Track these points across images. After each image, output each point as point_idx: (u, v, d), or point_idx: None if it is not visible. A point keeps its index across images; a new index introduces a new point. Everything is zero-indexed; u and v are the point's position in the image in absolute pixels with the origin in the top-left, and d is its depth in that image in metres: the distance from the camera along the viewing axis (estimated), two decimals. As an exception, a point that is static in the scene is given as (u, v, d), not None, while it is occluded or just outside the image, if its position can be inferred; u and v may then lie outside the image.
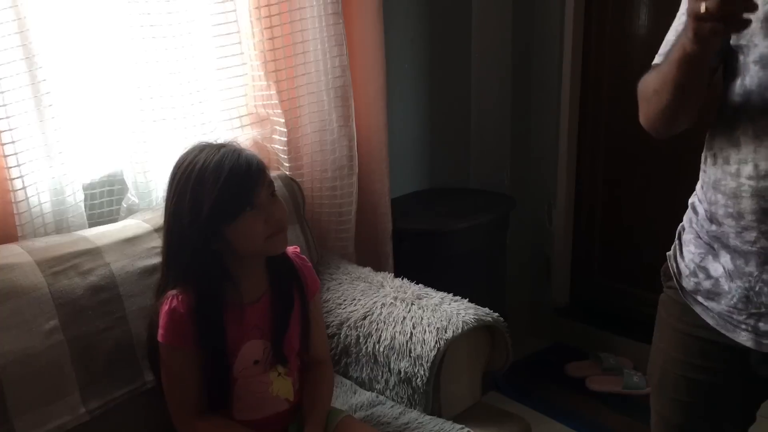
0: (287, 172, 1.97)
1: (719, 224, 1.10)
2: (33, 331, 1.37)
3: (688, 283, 1.19)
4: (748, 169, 1.03)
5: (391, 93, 2.17)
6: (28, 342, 1.36)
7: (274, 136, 1.97)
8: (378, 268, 1.99)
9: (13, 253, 1.44)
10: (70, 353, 1.40)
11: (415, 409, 1.60)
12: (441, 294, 1.72)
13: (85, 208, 1.69)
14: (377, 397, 1.65)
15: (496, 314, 1.65)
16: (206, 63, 1.80)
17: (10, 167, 1.49)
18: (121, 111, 1.71)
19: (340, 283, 1.84)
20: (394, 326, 1.65)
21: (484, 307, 1.68)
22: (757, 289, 1.06)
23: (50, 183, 1.60)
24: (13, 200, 1.51)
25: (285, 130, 1.94)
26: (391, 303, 1.71)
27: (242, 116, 1.91)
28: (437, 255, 2.35)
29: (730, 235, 1.08)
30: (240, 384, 1.37)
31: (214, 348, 1.33)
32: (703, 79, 1.06)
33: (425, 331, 1.60)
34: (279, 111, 1.92)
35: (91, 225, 1.68)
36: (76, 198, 1.65)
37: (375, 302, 1.73)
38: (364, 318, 1.71)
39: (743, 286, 1.08)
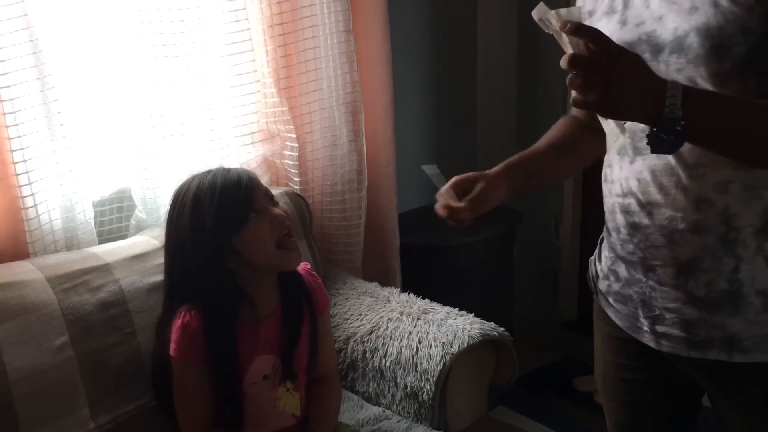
0: (296, 187, 1.99)
1: (611, 236, 1.17)
2: (43, 347, 1.39)
3: (603, 285, 1.24)
4: (617, 188, 1.11)
5: (397, 108, 2.19)
6: (39, 358, 1.38)
7: (284, 152, 2.00)
8: (385, 282, 2.00)
9: (25, 270, 1.46)
10: (80, 369, 1.42)
11: (421, 423, 1.61)
12: (447, 309, 1.73)
13: (94, 224, 1.71)
14: (384, 411, 1.66)
15: (502, 329, 1.66)
16: (218, 80, 1.83)
17: (22, 185, 1.52)
18: (130, 128, 1.74)
19: (346, 298, 1.86)
20: (401, 341, 1.66)
21: (491, 321, 1.69)
22: (648, 293, 1.12)
23: (61, 200, 1.62)
24: (24, 218, 1.54)
25: (296, 145, 1.97)
26: (398, 318, 1.72)
27: (253, 133, 1.93)
28: (444, 269, 2.36)
29: (618, 246, 1.15)
30: (249, 399, 1.38)
31: (226, 363, 1.34)
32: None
33: (431, 346, 1.61)
34: (291, 127, 1.94)
35: (101, 242, 1.70)
36: (86, 215, 1.67)
37: (381, 317, 1.74)
38: (371, 333, 1.72)
39: (638, 291, 1.14)
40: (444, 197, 1.18)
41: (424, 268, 2.34)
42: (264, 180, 1.97)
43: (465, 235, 2.33)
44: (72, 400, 1.40)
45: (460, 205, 1.16)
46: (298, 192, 1.98)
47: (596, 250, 1.30)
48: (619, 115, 0.94)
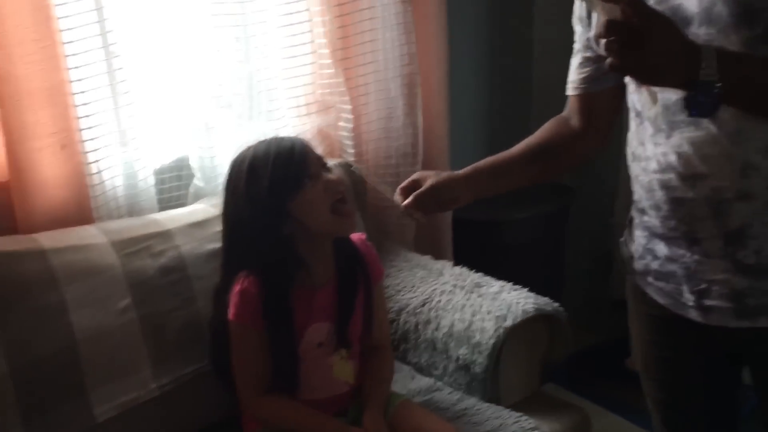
0: (351, 159, 2.00)
1: (647, 214, 1.16)
2: (108, 308, 1.43)
3: (639, 265, 1.24)
4: (653, 164, 1.11)
5: (452, 82, 2.17)
6: (104, 319, 1.42)
7: (339, 123, 2.00)
8: (437, 257, 2.00)
9: (90, 234, 1.50)
10: (142, 331, 1.46)
11: (473, 396, 1.62)
12: (500, 282, 1.72)
13: (155, 192, 1.75)
14: (435, 383, 1.66)
15: (557, 304, 1.65)
16: (275, 51, 1.83)
17: (87, 152, 1.56)
18: (190, 97, 1.76)
19: (399, 270, 1.86)
20: (453, 313, 1.66)
21: (542, 298, 1.68)
22: (693, 268, 1.12)
23: (123, 168, 1.66)
24: (89, 184, 1.58)
25: (351, 117, 1.97)
26: (450, 290, 1.72)
27: (309, 104, 1.94)
28: (495, 245, 2.35)
29: (656, 224, 1.15)
30: (304, 365, 1.41)
31: (282, 329, 1.37)
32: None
33: (484, 319, 1.60)
34: (346, 98, 1.94)
35: (161, 209, 1.74)
36: (147, 182, 1.71)
37: (434, 289, 1.74)
38: (423, 305, 1.73)
39: (682, 267, 1.14)
40: (398, 192, 1.30)
41: (476, 243, 2.33)
42: (318, 151, 1.98)
43: (518, 210, 2.31)
44: (135, 360, 1.44)
45: (398, 201, 1.28)
46: (352, 164, 1.98)
47: (626, 231, 1.29)
48: (655, 79, 0.95)
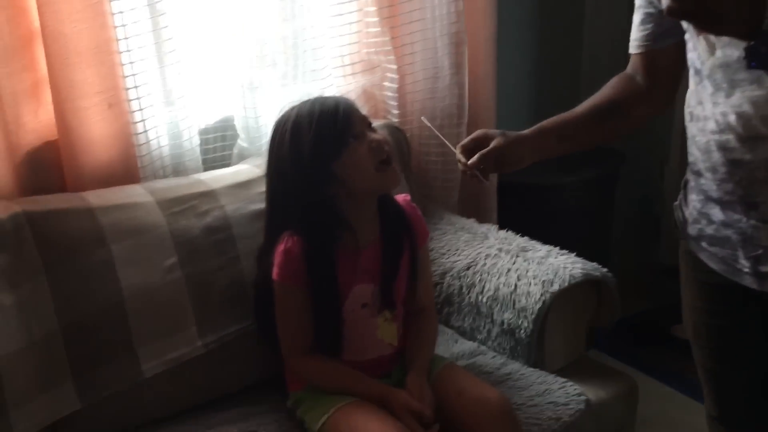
0: (395, 120, 1.97)
1: (703, 177, 1.12)
2: (154, 266, 1.45)
3: (693, 230, 1.19)
4: (711, 125, 1.06)
5: (499, 40, 2.11)
6: (150, 277, 1.44)
7: (384, 83, 1.97)
8: (482, 220, 1.97)
9: (137, 193, 1.51)
10: (187, 289, 1.47)
11: (517, 360, 1.60)
12: (547, 247, 1.69)
13: (200, 152, 1.75)
14: (479, 347, 1.65)
15: (605, 269, 1.61)
16: (320, 9, 1.81)
17: (134, 111, 1.56)
18: (234, 57, 1.75)
19: (444, 233, 1.84)
20: (498, 277, 1.64)
21: (588, 264, 1.64)
22: (749, 233, 1.08)
23: (169, 127, 1.66)
24: (135, 143, 1.59)
25: (396, 77, 1.94)
26: (496, 254, 1.70)
27: (354, 63, 1.92)
28: (541, 210, 2.31)
29: (712, 187, 1.10)
30: (348, 326, 1.41)
31: (325, 289, 1.37)
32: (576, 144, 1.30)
33: (530, 284, 1.58)
34: (391, 57, 1.91)
35: (206, 169, 1.74)
36: (192, 142, 1.71)
37: (479, 253, 1.72)
38: (468, 268, 1.71)
39: (738, 232, 1.10)
40: (458, 150, 1.26)
41: (522, 208, 2.29)
42: (363, 111, 1.95)
43: (565, 174, 2.26)
44: (181, 318, 1.46)
45: (462, 159, 1.24)
46: (397, 125, 1.96)
47: (680, 195, 1.25)
48: (714, 25, 0.89)
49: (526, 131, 1.28)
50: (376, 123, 1.88)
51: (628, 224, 2.75)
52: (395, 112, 1.99)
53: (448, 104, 2.00)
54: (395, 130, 1.91)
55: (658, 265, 2.76)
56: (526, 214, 2.29)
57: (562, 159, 2.45)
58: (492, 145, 1.24)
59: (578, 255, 1.67)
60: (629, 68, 1.29)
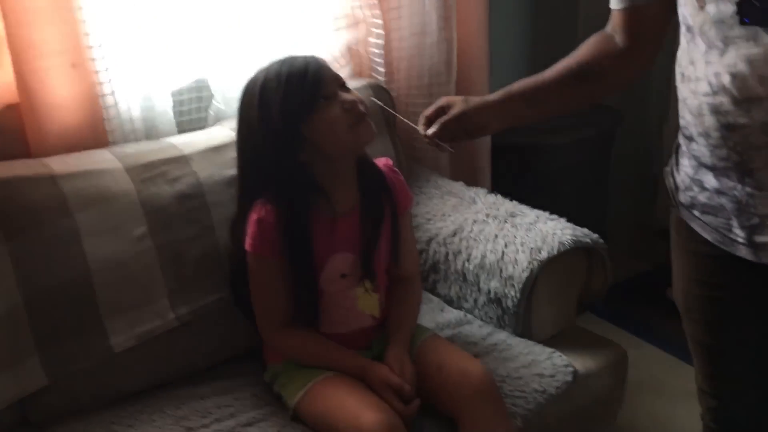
0: (381, 78, 1.88)
1: (695, 142, 1.06)
2: (123, 236, 1.38)
3: (685, 197, 1.13)
4: (703, 86, 0.99)
5: (492, -5, 2.02)
6: (119, 247, 1.37)
7: (369, 39, 1.88)
8: (474, 183, 1.90)
9: (104, 158, 1.44)
10: (159, 260, 1.41)
11: (504, 330, 1.55)
12: (536, 212, 1.62)
13: (174, 114, 1.67)
14: (465, 316, 1.60)
15: (596, 235, 1.55)
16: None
17: (99, 71, 1.48)
18: (209, 14, 1.65)
19: (430, 198, 1.77)
20: (486, 244, 1.57)
21: (584, 226, 1.58)
22: (744, 201, 1.02)
23: (139, 88, 1.58)
24: (102, 105, 1.51)
25: (381, 32, 1.85)
26: (483, 220, 1.63)
27: (337, 18, 1.82)
28: (537, 170, 2.24)
29: (705, 153, 1.04)
30: (326, 297, 1.35)
31: (301, 259, 1.31)
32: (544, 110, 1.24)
33: (518, 251, 1.52)
34: (377, 12, 1.82)
35: (180, 132, 1.66)
36: (164, 104, 1.62)
37: (466, 219, 1.66)
38: (454, 235, 1.64)
39: (732, 200, 1.03)
40: (421, 119, 1.24)
41: (516, 169, 2.22)
42: (346, 70, 1.87)
43: (560, 134, 2.19)
44: (152, 289, 1.40)
45: (420, 130, 1.23)
46: (383, 84, 1.87)
47: (672, 159, 1.18)
48: None
49: (492, 96, 1.23)
50: (360, 82, 1.82)
51: (625, 185, 2.68)
52: (381, 70, 1.90)
53: (436, 62, 1.91)
54: (381, 90, 1.83)
55: (656, 227, 2.70)
56: (522, 175, 2.22)
57: (557, 118, 2.38)
58: (452, 113, 1.20)
59: (574, 216, 1.60)
60: (609, 26, 1.20)
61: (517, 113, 1.23)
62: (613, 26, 1.18)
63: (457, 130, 1.21)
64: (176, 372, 1.43)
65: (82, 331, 1.33)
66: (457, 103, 1.22)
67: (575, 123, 2.24)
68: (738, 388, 1.25)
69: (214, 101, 1.71)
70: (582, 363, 1.47)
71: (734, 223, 1.05)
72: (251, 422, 1.31)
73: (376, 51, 1.89)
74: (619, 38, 1.17)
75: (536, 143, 2.19)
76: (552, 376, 1.41)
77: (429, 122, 1.24)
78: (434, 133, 1.21)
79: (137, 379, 1.40)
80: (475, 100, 1.22)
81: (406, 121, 1.28)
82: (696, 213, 1.12)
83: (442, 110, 1.23)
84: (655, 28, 1.14)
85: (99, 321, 1.34)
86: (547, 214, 1.61)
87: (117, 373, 1.37)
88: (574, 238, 1.51)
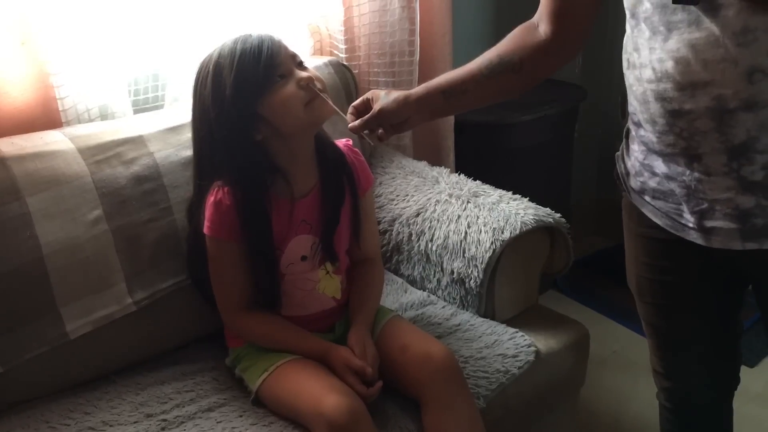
0: (342, 55, 1.85)
1: (643, 128, 1.05)
2: (77, 220, 1.35)
3: (636, 183, 1.14)
4: (647, 73, 0.99)
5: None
6: (73, 231, 1.34)
7: (329, 15, 1.84)
8: (437, 162, 1.89)
9: (55, 139, 1.40)
10: (115, 243, 1.38)
11: (467, 310, 1.55)
12: (499, 192, 1.62)
13: (129, 93, 1.62)
14: (429, 296, 1.60)
15: (558, 215, 1.55)
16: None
17: (51, 48, 1.43)
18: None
19: (393, 178, 1.76)
20: (448, 225, 1.57)
21: (548, 203, 1.58)
22: (693, 186, 1.02)
23: (93, 67, 1.52)
24: (54, 84, 1.45)
25: (342, 9, 1.81)
26: (446, 200, 1.62)
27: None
28: (500, 148, 2.23)
29: (653, 140, 1.03)
30: (287, 280, 1.33)
31: (260, 242, 1.28)
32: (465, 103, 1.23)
33: (481, 231, 1.51)
34: (338, -12, 1.79)
35: (136, 113, 1.62)
36: (120, 83, 1.58)
37: (429, 199, 1.64)
38: (417, 215, 1.63)
39: (681, 185, 1.04)
40: (350, 110, 1.26)
41: (480, 147, 2.21)
42: (307, 48, 1.84)
43: (523, 112, 2.18)
44: (108, 274, 1.37)
45: (348, 119, 1.24)
46: (344, 62, 1.84)
47: (622, 145, 1.18)
48: None
49: (413, 90, 1.23)
50: (321, 60, 1.78)
51: (588, 162, 2.69)
52: (342, 47, 1.87)
53: (398, 39, 1.89)
54: (342, 68, 1.80)
55: (619, 203, 2.72)
56: (486, 153, 2.21)
57: (521, 96, 2.37)
58: (374, 108, 1.21)
59: (538, 193, 1.60)
60: (536, 15, 1.18)
61: (437, 107, 1.23)
62: (540, 14, 1.17)
63: (381, 125, 1.21)
64: (135, 358, 1.41)
65: (37, 318, 1.30)
66: (379, 99, 1.22)
67: (540, 100, 2.23)
68: (690, 369, 1.27)
69: (170, 81, 1.67)
70: (544, 342, 1.48)
71: (684, 208, 1.05)
72: (212, 407, 1.29)
73: (338, 27, 1.85)
74: (543, 27, 1.16)
75: (500, 121, 2.18)
76: (514, 356, 1.41)
77: (358, 113, 1.24)
78: (355, 127, 1.22)
79: (95, 366, 1.37)
80: (396, 95, 1.22)
81: (337, 110, 1.26)
82: (647, 198, 1.12)
83: (369, 103, 1.24)
84: (582, 18, 1.14)
85: (53, 307, 1.31)
86: (509, 193, 1.61)
87: (73, 359, 1.34)
88: (536, 218, 1.50)
